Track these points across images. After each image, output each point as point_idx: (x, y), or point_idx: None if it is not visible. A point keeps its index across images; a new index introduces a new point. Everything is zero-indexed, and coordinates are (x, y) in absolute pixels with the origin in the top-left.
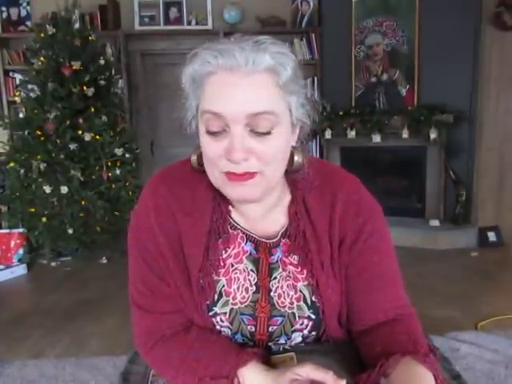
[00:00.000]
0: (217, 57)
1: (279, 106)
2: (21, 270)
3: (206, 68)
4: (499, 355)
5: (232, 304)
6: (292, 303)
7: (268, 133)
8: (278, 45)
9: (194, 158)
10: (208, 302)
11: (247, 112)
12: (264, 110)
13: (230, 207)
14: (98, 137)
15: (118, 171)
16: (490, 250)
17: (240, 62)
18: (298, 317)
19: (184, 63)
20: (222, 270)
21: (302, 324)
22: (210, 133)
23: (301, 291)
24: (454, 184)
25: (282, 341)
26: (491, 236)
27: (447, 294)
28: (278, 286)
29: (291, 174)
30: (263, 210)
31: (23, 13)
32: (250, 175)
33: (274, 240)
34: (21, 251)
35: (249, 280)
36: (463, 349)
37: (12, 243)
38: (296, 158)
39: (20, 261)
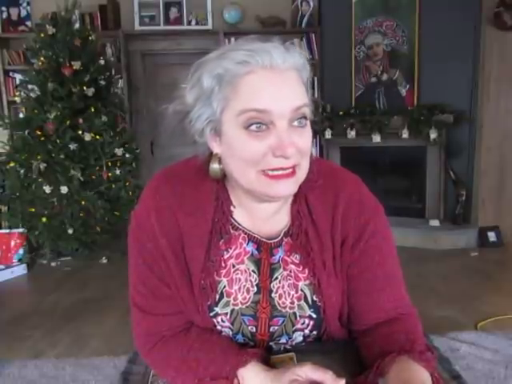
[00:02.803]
0: (254, 56)
1: (308, 100)
2: (21, 269)
3: (243, 68)
4: (499, 355)
5: (233, 304)
6: (293, 303)
7: (305, 125)
8: (294, 46)
9: (215, 167)
10: (209, 303)
11: (292, 106)
12: (304, 103)
13: (232, 207)
14: (98, 137)
15: (117, 171)
16: (490, 250)
17: (278, 61)
18: (299, 316)
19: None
20: (224, 271)
21: (303, 323)
22: (252, 131)
23: (302, 290)
24: (454, 184)
25: (283, 340)
26: (491, 236)
27: (447, 293)
28: (278, 287)
29: None
30: (274, 209)
31: (23, 13)
32: (292, 171)
33: (276, 240)
34: (21, 251)
35: (250, 281)
36: (463, 349)
37: (12, 243)
38: None
39: (20, 261)
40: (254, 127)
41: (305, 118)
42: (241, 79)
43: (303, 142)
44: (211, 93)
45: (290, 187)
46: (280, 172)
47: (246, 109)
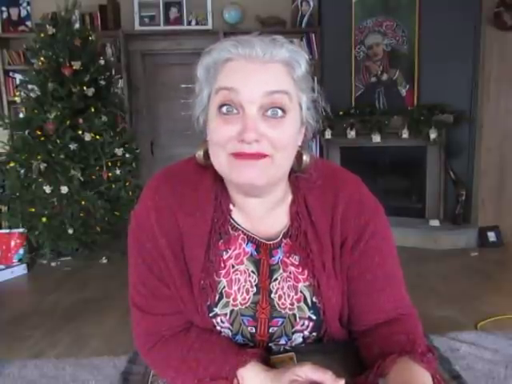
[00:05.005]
0: (236, 46)
1: (293, 91)
2: (21, 270)
3: (224, 55)
4: (499, 355)
5: (232, 305)
6: (292, 304)
7: (281, 117)
8: (293, 44)
9: (199, 153)
10: (209, 303)
11: (263, 90)
12: (279, 88)
13: (232, 206)
14: (98, 137)
15: (118, 171)
16: (490, 250)
17: (258, 52)
18: (299, 318)
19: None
20: (223, 271)
21: (302, 325)
22: (223, 113)
23: (301, 292)
24: (454, 184)
25: (282, 341)
26: (491, 236)
27: (447, 293)
28: (278, 288)
29: (294, 174)
30: (265, 208)
31: (23, 13)
32: (260, 155)
33: (276, 241)
34: (21, 251)
35: (249, 281)
36: (463, 349)
37: (12, 243)
38: (304, 157)
39: (20, 261)
40: (224, 109)
41: (281, 109)
42: (221, 66)
43: (277, 134)
44: (202, 82)
45: (254, 174)
46: (245, 155)
47: (218, 87)
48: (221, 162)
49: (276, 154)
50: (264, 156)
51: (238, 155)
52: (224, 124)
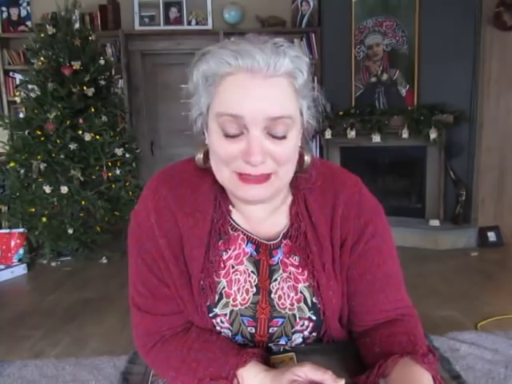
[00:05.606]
0: (237, 58)
1: (295, 109)
2: (21, 269)
3: (224, 68)
4: (499, 355)
5: (232, 305)
6: (292, 304)
7: (284, 136)
8: (295, 48)
9: (199, 157)
10: (208, 304)
11: (267, 115)
12: (283, 114)
13: (231, 207)
14: (98, 137)
15: (118, 171)
16: (490, 250)
17: (261, 65)
18: (299, 318)
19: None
20: (223, 272)
21: (302, 325)
22: (227, 136)
23: (301, 292)
24: (454, 184)
25: (282, 342)
26: (491, 236)
27: (447, 294)
28: (278, 288)
29: (294, 174)
30: (267, 212)
31: (23, 13)
32: (265, 177)
33: (275, 241)
34: (21, 251)
35: (249, 281)
36: (463, 349)
37: (12, 243)
38: (306, 158)
39: (20, 261)
40: (228, 132)
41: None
42: (221, 79)
43: (280, 151)
44: (199, 87)
45: (260, 193)
46: (250, 177)
47: (221, 112)
48: (224, 177)
49: (279, 170)
50: (268, 176)
51: (243, 176)
52: (228, 143)
